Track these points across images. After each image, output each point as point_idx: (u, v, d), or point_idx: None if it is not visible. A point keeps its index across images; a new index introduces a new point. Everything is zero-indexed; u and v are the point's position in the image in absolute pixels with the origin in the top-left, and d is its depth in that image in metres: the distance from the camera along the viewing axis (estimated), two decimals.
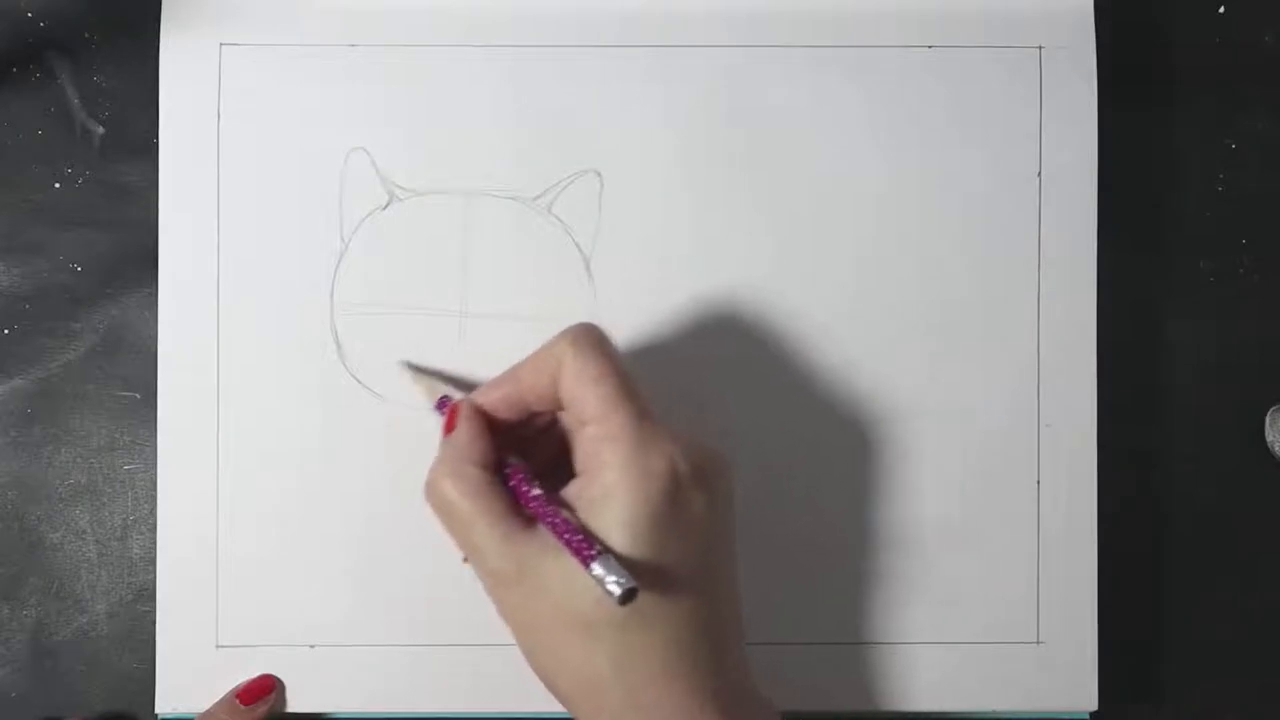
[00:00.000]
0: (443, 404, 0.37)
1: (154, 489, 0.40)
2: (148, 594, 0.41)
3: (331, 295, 0.40)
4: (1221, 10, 0.43)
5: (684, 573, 0.33)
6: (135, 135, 0.41)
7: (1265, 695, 0.42)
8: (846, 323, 0.41)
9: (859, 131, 0.41)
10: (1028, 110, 0.41)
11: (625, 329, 0.40)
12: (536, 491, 0.33)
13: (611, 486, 0.32)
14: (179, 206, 0.40)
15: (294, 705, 0.40)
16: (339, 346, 0.40)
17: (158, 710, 0.40)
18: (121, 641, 0.41)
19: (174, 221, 0.40)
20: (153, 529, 0.40)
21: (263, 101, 0.40)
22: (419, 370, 0.40)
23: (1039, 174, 0.41)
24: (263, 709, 0.39)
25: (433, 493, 0.34)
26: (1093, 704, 0.40)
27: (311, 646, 0.40)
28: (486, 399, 0.35)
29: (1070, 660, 0.40)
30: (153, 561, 0.40)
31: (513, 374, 0.35)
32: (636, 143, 0.40)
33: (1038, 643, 0.40)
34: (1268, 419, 0.42)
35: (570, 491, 0.33)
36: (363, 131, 0.40)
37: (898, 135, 0.41)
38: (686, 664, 0.33)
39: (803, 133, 0.41)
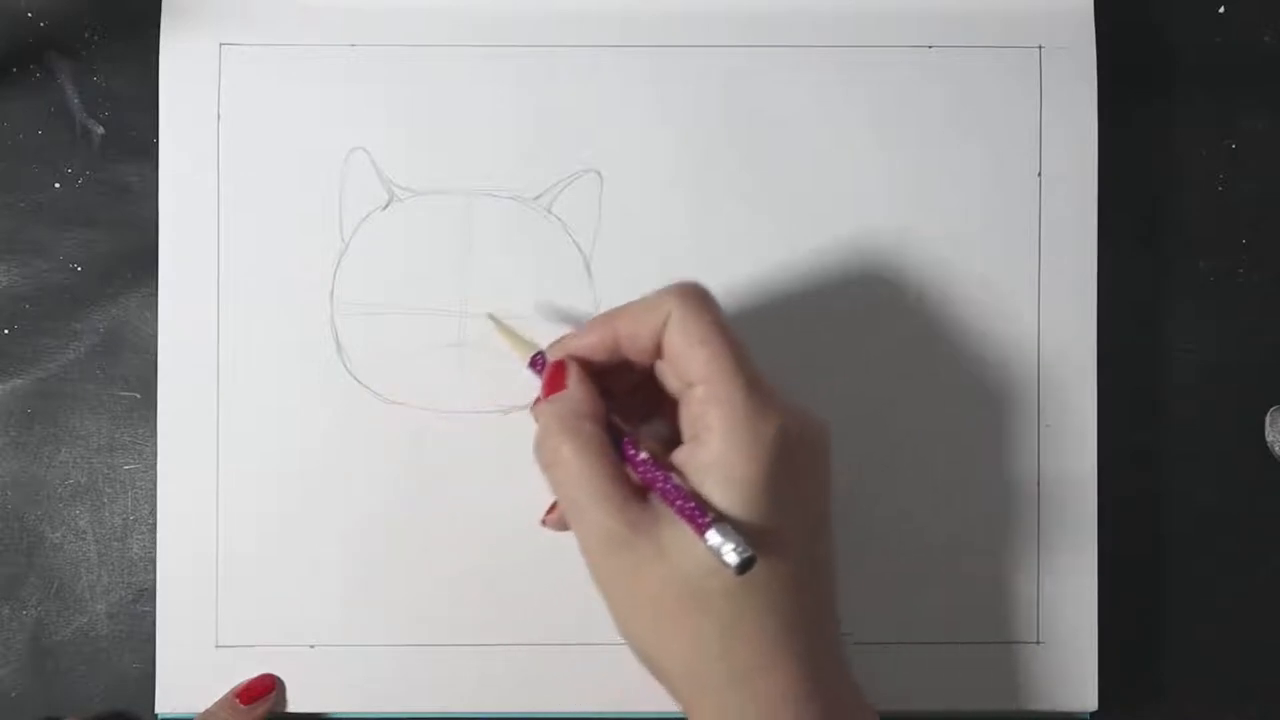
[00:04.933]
0: (537, 361, 0.36)
1: (154, 489, 0.40)
2: (148, 594, 0.41)
3: (331, 295, 0.40)
4: (1221, 10, 0.43)
5: (793, 539, 0.32)
6: (135, 135, 0.41)
7: (1265, 695, 0.42)
8: (846, 322, 0.41)
9: (859, 131, 0.41)
10: (1028, 110, 0.41)
11: None
12: (644, 455, 0.32)
13: (722, 452, 0.31)
14: (179, 206, 0.40)
15: (294, 705, 0.40)
16: (339, 346, 0.40)
17: (158, 710, 0.40)
18: (121, 641, 0.41)
19: (174, 221, 0.40)
20: (153, 529, 0.40)
21: (263, 101, 0.40)
22: (503, 328, 0.39)
23: (1039, 174, 0.41)
24: (262, 709, 0.39)
25: (546, 449, 0.33)
26: (1093, 704, 0.40)
27: (311, 646, 0.40)
28: (581, 345, 0.34)
29: (1070, 660, 0.40)
30: (153, 561, 0.40)
31: (608, 321, 0.34)
32: (636, 143, 0.40)
33: (1038, 643, 0.40)
34: (1268, 419, 0.42)
35: (679, 457, 0.32)
36: (363, 131, 0.40)
37: (898, 135, 0.41)
38: (794, 633, 0.32)
39: (803, 132, 0.41)
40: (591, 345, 0.34)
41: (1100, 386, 0.41)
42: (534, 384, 0.40)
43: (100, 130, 0.42)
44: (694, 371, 0.32)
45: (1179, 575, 0.42)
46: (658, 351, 0.34)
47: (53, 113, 0.41)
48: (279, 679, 0.40)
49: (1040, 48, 0.41)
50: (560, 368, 0.34)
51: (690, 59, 0.41)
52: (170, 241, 0.40)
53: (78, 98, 0.41)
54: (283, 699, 0.40)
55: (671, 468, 0.32)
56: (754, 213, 0.40)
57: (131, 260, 0.41)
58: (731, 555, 0.30)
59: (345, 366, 0.40)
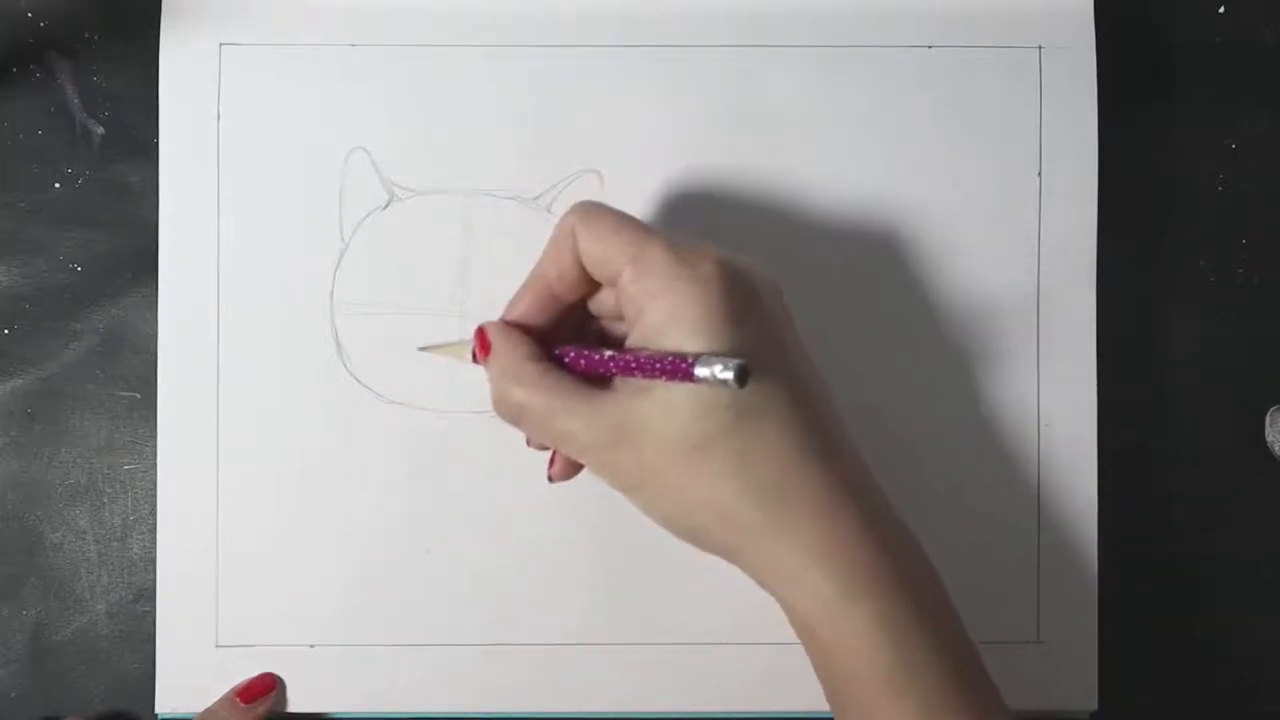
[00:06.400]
0: (475, 354, 0.36)
1: (154, 489, 0.40)
2: (148, 594, 0.41)
3: (331, 295, 0.40)
4: (1221, 10, 0.43)
5: (774, 360, 0.32)
6: (135, 135, 0.41)
7: (1265, 696, 0.42)
8: (846, 322, 0.41)
9: (859, 131, 0.41)
10: (1028, 110, 0.41)
11: None
12: (608, 352, 0.33)
13: (670, 308, 0.32)
14: (179, 206, 0.40)
15: (294, 705, 0.40)
16: (339, 346, 0.40)
17: (158, 710, 0.40)
18: (121, 641, 0.41)
19: (174, 221, 0.40)
20: (153, 529, 0.40)
21: (263, 101, 0.40)
22: (434, 348, 0.40)
23: (1039, 174, 0.41)
24: (262, 708, 0.39)
25: (502, 404, 0.34)
26: (1093, 704, 0.40)
27: (311, 646, 0.40)
28: (516, 311, 0.35)
29: (1070, 660, 0.40)
30: (153, 561, 0.40)
31: (534, 273, 0.35)
32: (636, 143, 0.40)
33: (1038, 643, 0.40)
34: (1268, 419, 0.42)
35: (634, 339, 0.33)
36: (363, 131, 0.40)
37: (898, 135, 0.41)
38: (807, 445, 0.32)
39: (803, 132, 0.41)
40: (527, 306, 0.35)
41: (1100, 386, 0.41)
42: None
43: (100, 130, 0.42)
44: (617, 260, 0.33)
45: (1179, 575, 0.42)
46: (587, 281, 0.34)
47: (53, 113, 0.41)
48: (279, 678, 0.40)
49: (1040, 48, 0.41)
50: (482, 333, 0.35)
51: (690, 59, 0.41)
52: (170, 241, 0.40)
53: (78, 98, 0.41)
54: (283, 699, 0.40)
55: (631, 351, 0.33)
56: (754, 212, 0.40)
57: (131, 260, 0.41)
58: (726, 373, 0.30)
59: (345, 366, 0.40)
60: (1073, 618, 0.40)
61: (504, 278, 0.40)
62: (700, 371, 0.30)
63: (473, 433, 0.40)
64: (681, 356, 0.31)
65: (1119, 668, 0.41)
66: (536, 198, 0.40)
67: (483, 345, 0.35)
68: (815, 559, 0.32)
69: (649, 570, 0.40)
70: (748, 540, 0.33)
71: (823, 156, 0.41)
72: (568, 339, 0.35)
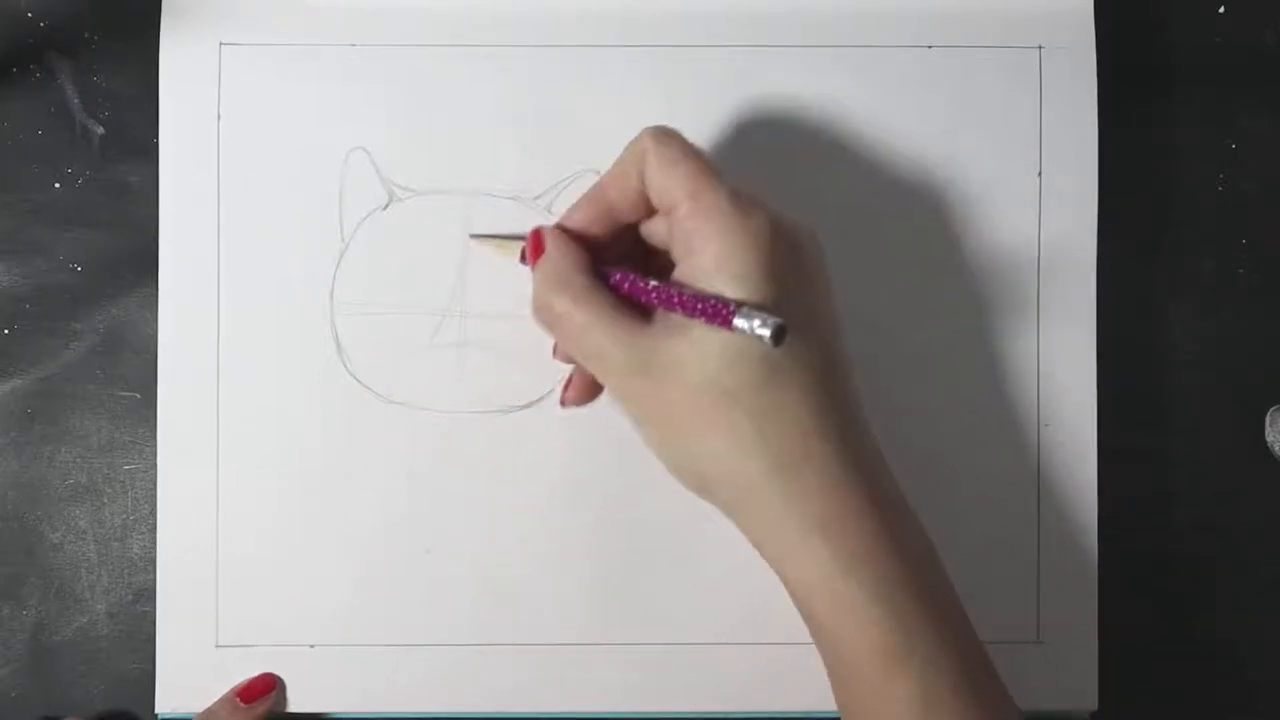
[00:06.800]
0: (525, 254, 0.36)
1: (154, 489, 0.40)
2: (148, 594, 0.41)
3: (331, 295, 0.40)
4: (1221, 10, 0.43)
5: (806, 321, 0.33)
6: (135, 135, 0.41)
7: (1265, 695, 0.42)
8: (847, 322, 0.40)
9: (859, 132, 0.41)
10: (1028, 110, 0.41)
11: None
12: (654, 282, 0.33)
13: (719, 252, 0.32)
14: (179, 206, 0.40)
15: (294, 705, 0.40)
16: (339, 346, 0.40)
17: (158, 710, 0.40)
18: (121, 641, 0.41)
19: (174, 221, 0.40)
20: (153, 529, 0.40)
21: (263, 101, 0.40)
22: (486, 238, 0.40)
23: (1039, 173, 0.41)
24: (263, 708, 0.39)
25: (542, 309, 0.34)
26: (1093, 704, 0.40)
27: (311, 646, 0.40)
28: (573, 220, 0.35)
29: (1070, 660, 0.40)
30: (153, 561, 0.40)
31: (597, 186, 0.35)
32: None
33: (1038, 642, 0.40)
34: (1268, 419, 0.42)
35: (679, 275, 0.33)
36: (363, 131, 0.40)
37: (898, 135, 0.41)
38: (827, 420, 0.33)
39: (803, 132, 0.41)
40: (585, 218, 0.35)
41: (1100, 387, 0.41)
42: (534, 385, 0.40)
43: (100, 130, 0.42)
44: (676, 191, 0.33)
45: (1179, 575, 0.42)
46: (646, 204, 0.34)
47: (53, 113, 0.41)
48: (279, 678, 0.40)
49: (1040, 48, 0.41)
50: (538, 236, 0.35)
51: (690, 59, 0.41)
52: (170, 241, 0.40)
53: (78, 98, 0.41)
54: (283, 699, 0.40)
55: (678, 285, 0.33)
56: None
57: (131, 260, 0.41)
58: (764, 329, 0.30)
59: (345, 366, 0.40)
60: (1073, 618, 0.40)
61: (504, 278, 0.40)
62: (739, 322, 0.30)
63: (473, 433, 0.40)
64: (724, 302, 0.31)
65: (1119, 668, 0.41)
66: (536, 198, 0.40)
67: (535, 248, 0.35)
68: (818, 529, 0.32)
69: (649, 570, 0.40)
70: (753, 501, 0.33)
71: (822, 156, 0.41)
72: (613, 264, 0.35)
